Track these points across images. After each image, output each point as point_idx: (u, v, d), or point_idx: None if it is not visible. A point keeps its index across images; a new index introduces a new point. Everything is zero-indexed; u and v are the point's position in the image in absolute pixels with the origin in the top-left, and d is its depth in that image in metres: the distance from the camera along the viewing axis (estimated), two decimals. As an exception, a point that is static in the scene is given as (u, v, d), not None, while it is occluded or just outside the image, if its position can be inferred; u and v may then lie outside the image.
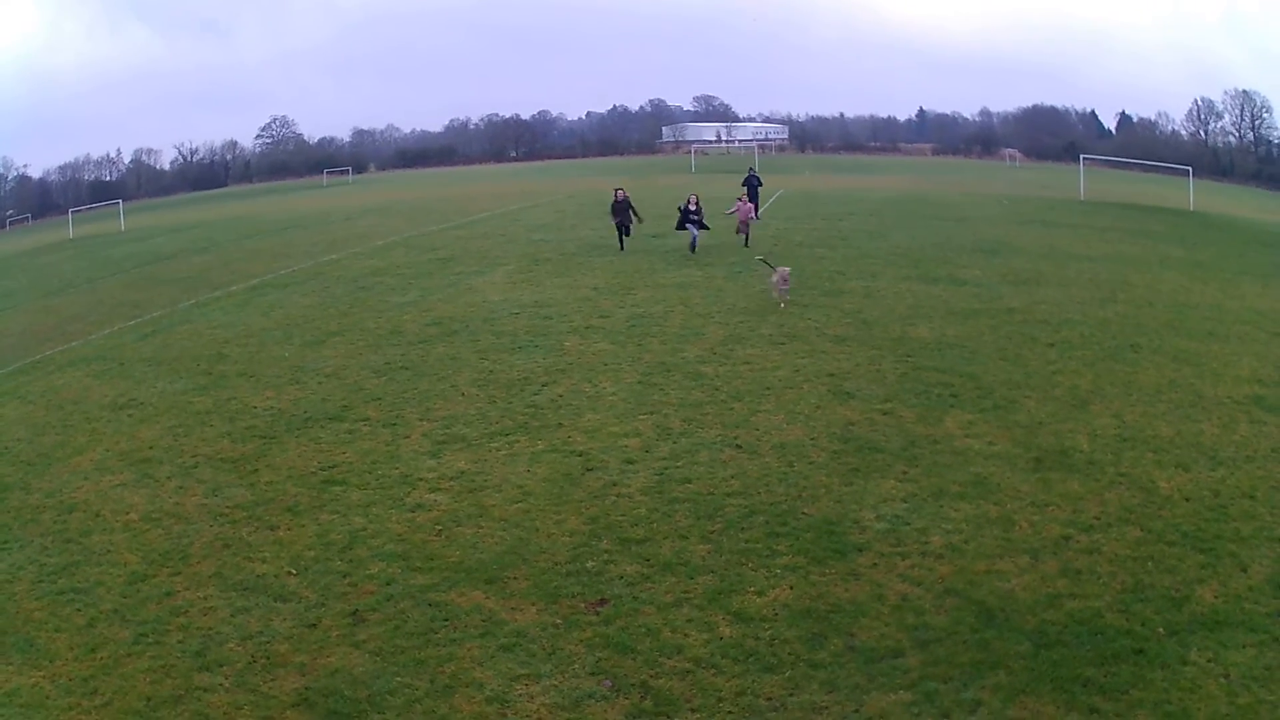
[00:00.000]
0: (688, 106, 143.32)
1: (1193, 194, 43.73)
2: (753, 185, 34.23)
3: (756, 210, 28.92)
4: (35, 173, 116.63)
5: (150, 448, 12.25)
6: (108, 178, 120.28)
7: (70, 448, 12.59)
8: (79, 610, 8.29)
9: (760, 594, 7.82)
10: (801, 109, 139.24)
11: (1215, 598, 7.60)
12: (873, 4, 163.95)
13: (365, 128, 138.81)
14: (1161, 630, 7.17)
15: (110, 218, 58.43)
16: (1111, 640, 7.08)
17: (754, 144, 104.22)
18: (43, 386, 16.13)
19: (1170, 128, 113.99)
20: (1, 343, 21.04)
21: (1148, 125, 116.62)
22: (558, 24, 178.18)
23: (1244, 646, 6.95)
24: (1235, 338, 15.86)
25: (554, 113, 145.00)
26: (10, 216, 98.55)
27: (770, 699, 6.66)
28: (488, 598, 7.96)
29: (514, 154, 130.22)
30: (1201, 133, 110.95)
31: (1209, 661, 6.80)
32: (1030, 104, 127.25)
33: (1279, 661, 6.78)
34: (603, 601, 7.81)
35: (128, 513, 10.24)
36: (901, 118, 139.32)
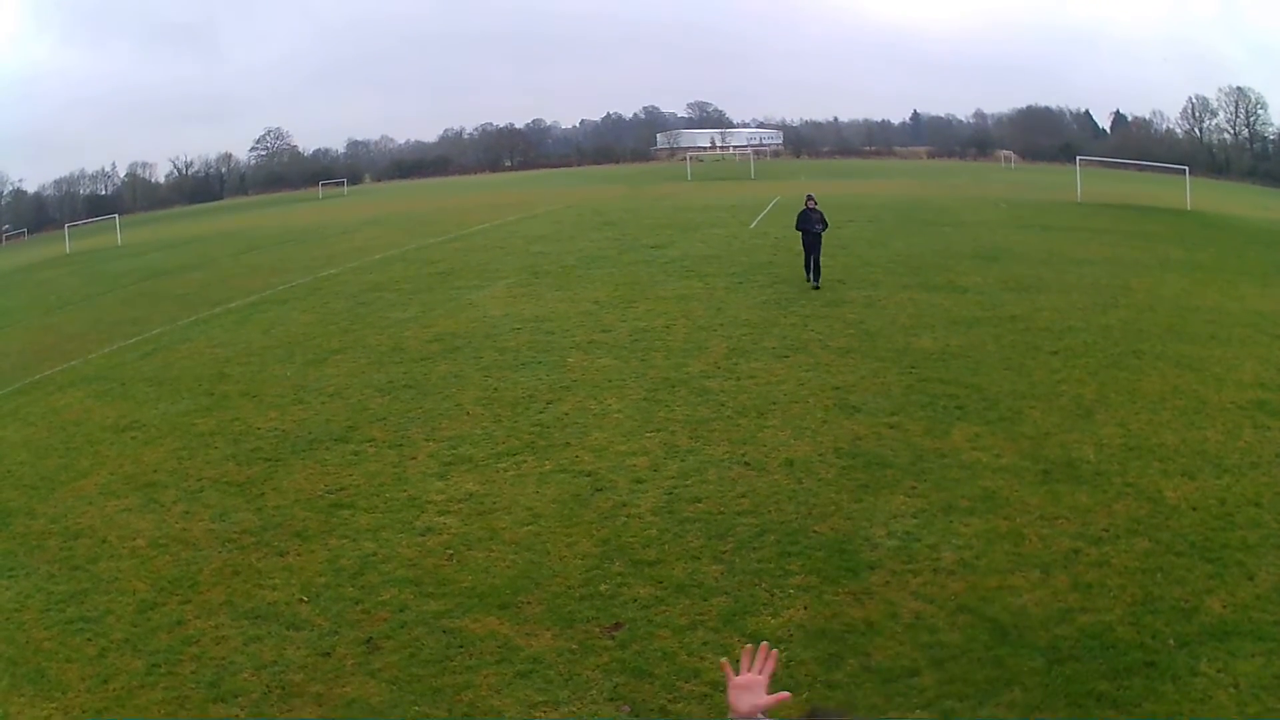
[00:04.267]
0: (681, 113, 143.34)
1: (1190, 193, 43.80)
2: (813, 231, 21.14)
3: None
4: (30, 187, 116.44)
5: (155, 471, 12.19)
6: (103, 192, 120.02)
7: (74, 471, 12.53)
8: (89, 640, 8.21)
9: (774, 615, 7.82)
10: (795, 114, 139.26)
11: (1223, 607, 7.61)
12: (858, 4, 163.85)
13: (360, 139, 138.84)
14: (1172, 642, 7.18)
15: (107, 232, 58.39)
16: (1123, 654, 7.08)
17: (749, 149, 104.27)
18: (44, 407, 16.07)
19: (1165, 126, 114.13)
20: (1, 362, 20.96)
21: (1142, 124, 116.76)
22: (549, 31, 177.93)
23: (1252, 655, 6.97)
24: (1237, 341, 15.88)
25: (548, 121, 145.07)
26: (7, 231, 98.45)
27: (788, 722, 6.64)
28: (502, 624, 7.93)
29: (509, 163, 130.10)
30: (1196, 130, 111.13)
31: (1218, 672, 6.82)
32: (1024, 105, 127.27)
33: (1287, 670, 6.79)
34: (618, 625, 7.79)
35: (134, 539, 10.17)
36: (895, 121, 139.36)
